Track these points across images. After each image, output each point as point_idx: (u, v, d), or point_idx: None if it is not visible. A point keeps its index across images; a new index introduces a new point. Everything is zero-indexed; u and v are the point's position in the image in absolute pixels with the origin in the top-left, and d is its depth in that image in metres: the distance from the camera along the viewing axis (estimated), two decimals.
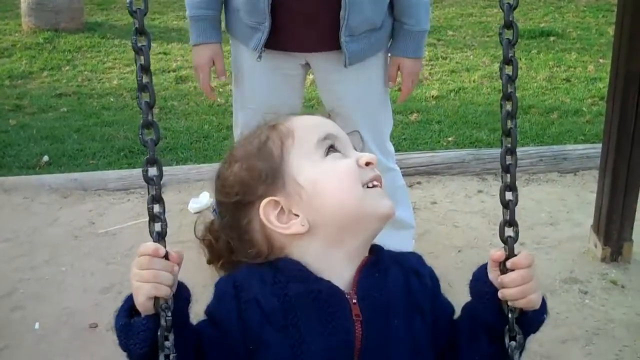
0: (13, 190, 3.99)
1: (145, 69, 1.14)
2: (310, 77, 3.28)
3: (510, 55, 1.20)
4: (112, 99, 6.05)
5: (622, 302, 2.99)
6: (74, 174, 4.26)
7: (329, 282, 1.15)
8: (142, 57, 1.16)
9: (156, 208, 1.17)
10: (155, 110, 5.04)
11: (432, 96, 5.91)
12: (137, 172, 4.21)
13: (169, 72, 6.74)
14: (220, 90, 6.06)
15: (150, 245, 1.13)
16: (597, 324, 2.86)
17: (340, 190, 1.16)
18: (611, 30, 7.12)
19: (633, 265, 3.22)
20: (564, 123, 5.33)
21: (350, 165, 1.17)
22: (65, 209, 3.83)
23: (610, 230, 3.22)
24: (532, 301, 1.15)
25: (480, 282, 1.22)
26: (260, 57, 2.59)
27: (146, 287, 1.10)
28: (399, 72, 2.72)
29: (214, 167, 1.40)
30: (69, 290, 3.13)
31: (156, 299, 1.12)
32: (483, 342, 1.19)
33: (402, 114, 5.35)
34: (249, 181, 1.20)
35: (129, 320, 1.14)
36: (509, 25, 1.20)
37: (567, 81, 6.34)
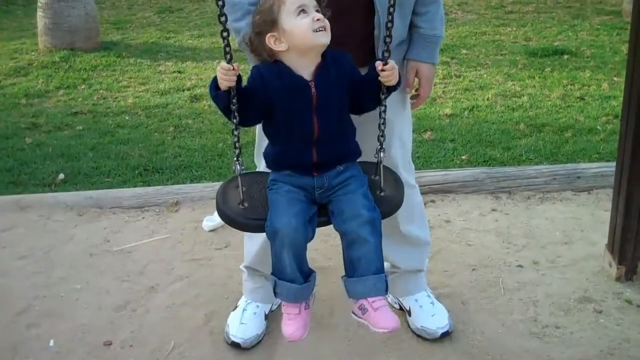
0: (29, 208, 4.03)
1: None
2: None
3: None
4: (127, 117, 6.10)
5: (638, 321, 2.97)
6: (90, 192, 4.29)
7: (301, 76, 2.25)
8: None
9: (227, 49, 2.14)
10: (171, 128, 5.05)
11: (446, 114, 5.92)
12: (152, 189, 4.24)
13: (183, 90, 6.79)
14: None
15: (226, 65, 2.14)
16: (612, 344, 2.84)
17: (301, 34, 2.20)
18: (625, 48, 7.13)
19: None
20: (578, 141, 5.32)
21: (307, 21, 2.19)
22: (80, 226, 3.85)
23: (625, 250, 3.21)
24: (391, 82, 2.28)
25: (372, 70, 2.28)
26: None
27: (224, 82, 2.16)
28: (415, 79, 2.75)
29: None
30: (84, 307, 3.15)
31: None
32: (373, 92, 2.33)
33: (415, 132, 5.35)
34: (263, 24, 2.24)
35: (216, 92, 2.20)
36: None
37: (581, 99, 6.33)
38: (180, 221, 3.89)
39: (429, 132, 5.49)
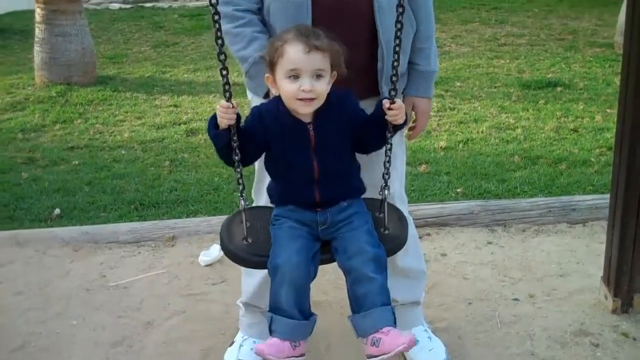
0: (25, 243, 4.03)
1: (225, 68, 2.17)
2: None
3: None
4: (123, 152, 6.11)
5: (634, 354, 2.97)
6: (86, 227, 4.29)
7: (298, 119, 2.29)
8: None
9: (226, 87, 2.17)
10: (166, 163, 5.06)
11: (441, 147, 5.95)
12: (148, 224, 4.24)
13: (179, 124, 6.81)
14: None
15: (225, 103, 2.16)
16: None
17: (284, 97, 2.25)
18: (617, 81, 7.18)
19: None
20: (572, 173, 5.35)
21: (293, 88, 2.21)
22: (76, 262, 3.85)
23: (621, 282, 3.22)
24: (398, 121, 2.31)
25: (379, 109, 2.31)
26: None
27: (224, 121, 2.18)
28: (412, 112, 2.81)
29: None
30: (80, 343, 3.14)
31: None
32: (379, 131, 2.35)
33: (410, 165, 5.38)
34: (268, 56, 2.26)
35: (216, 131, 2.22)
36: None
37: (574, 131, 6.37)
38: (177, 256, 3.89)
39: (424, 165, 5.51)
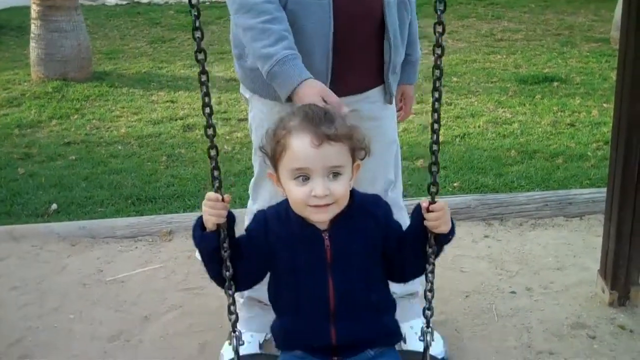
0: (22, 238, 4.02)
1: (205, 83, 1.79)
2: None
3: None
4: (120, 147, 6.10)
5: (631, 347, 2.97)
6: (82, 222, 4.29)
7: (312, 225, 1.82)
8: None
9: (215, 173, 1.77)
10: (163, 158, 5.05)
11: None
12: (145, 219, 4.24)
13: (176, 120, 6.80)
14: (227, 137, 6.12)
15: (213, 195, 1.76)
16: None
17: (293, 203, 1.80)
18: (614, 75, 7.17)
19: None
20: (569, 168, 5.35)
21: (302, 192, 1.75)
22: (73, 256, 3.85)
23: (618, 275, 3.22)
24: (441, 229, 1.81)
25: (417, 214, 1.83)
26: None
27: (212, 219, 1.76)
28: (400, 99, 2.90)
29: None
30: (78, 338, 3.14)
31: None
32: (417, 247, 1.85)
33: (408, 160, 5.38)
34: (269, 147, 1.82)
35: (202, 233, 1.80)
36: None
37: (571, 126, 6.37)
38: (174, 250, 3.89)
39: (421, 160, 5.51)
